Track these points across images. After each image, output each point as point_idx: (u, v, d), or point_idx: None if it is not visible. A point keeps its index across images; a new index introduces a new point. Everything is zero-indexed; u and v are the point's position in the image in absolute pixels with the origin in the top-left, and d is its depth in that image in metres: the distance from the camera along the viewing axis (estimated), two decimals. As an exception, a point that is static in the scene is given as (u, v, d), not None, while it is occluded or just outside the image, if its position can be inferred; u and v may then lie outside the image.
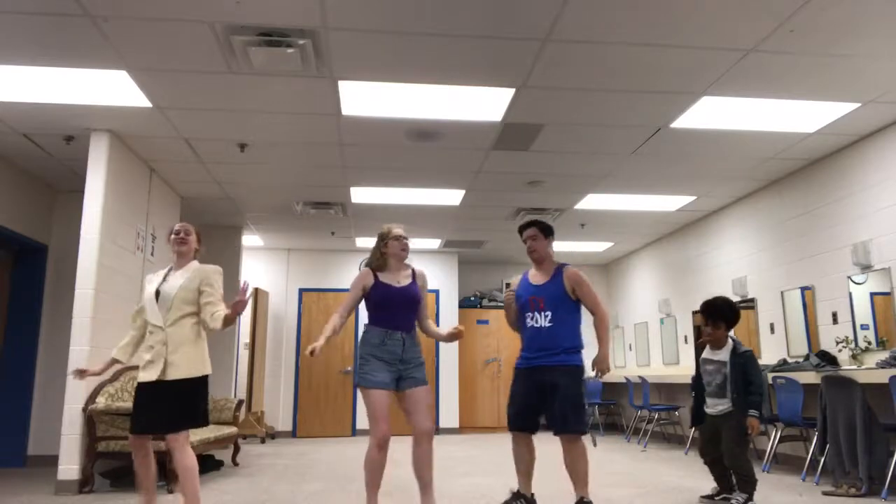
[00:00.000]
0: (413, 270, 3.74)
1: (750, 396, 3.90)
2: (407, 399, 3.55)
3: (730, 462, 3.94)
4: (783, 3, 3.45)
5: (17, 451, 6.25)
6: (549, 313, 3.70)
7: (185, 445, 3.41)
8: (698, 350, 4.34)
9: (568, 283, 3.77)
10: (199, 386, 3.46)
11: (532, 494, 3.80)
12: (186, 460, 3.43)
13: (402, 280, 3.65)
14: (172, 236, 3.58)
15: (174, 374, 3.36)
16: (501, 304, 10.52)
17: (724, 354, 4.04)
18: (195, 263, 3.61)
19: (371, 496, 3.54)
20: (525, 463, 3.77)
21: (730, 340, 4.08)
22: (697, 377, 4.26)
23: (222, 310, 3.41)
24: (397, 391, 3.55)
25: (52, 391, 6.09)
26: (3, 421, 6.26)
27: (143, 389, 3.40)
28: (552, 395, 3.61)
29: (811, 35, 3.77)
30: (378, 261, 3.69)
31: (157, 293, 3.46)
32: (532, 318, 3.74)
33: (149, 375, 3.37)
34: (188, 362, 3.40)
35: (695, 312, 7.99)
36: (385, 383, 3.49)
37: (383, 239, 3.70)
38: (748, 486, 3.87)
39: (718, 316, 4.07)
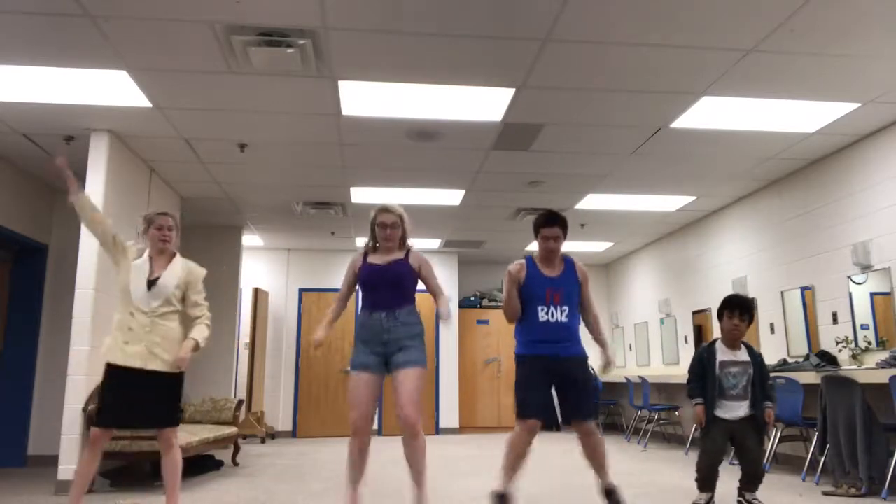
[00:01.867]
0: (408, 251, 3.62)
1: (768, 386, 3.87)
2: (393, 386, 3.39)
3: (758, 465, 3.83)
4: (783, 3, 3.45)
5: (17, 451, 6.26)
6: (565, 308, 3.61)
7: (178, 440, 3.46)
8: (709, 351, 3.93)
9: (581, 277, 3.76)
10: (181, 383, 3.48)
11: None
12: (180, 456, 3.46)
13: (391, 258, 3.56)
14: (156, 231, 3.51)
15: (159, 366, 3.34)
16: (501, 304, 10.53)
17: (743, 355, 3.89)
18: (179, 257, 3.57)
19: (350, 491, 3.39)
20: (522, 462, 3.57)
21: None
22: (710, 378, 3.86)
23: (201, 333, 3.49)
24: (389, 375, 3.44)
25: (52, 391, 6.09)
26: (3, 421, 6.26)
27: (122, 374, 3.30)
28: (573, 385, 3.56)
29: (811, 35, 3.77)
30: (372, 243, 3.65)
31: (151, 283, 3.40)
32: (546, 312, 3.58)
33: (129, 360, 3.29)
34: (171, 356, 3.40)
35: (695, 312, 7.99)
36: (364, 365, 3.39)
37: (372, 223, 3.63)
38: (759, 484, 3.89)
39: (750, 313, 3.91)
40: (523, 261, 3.74)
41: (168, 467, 3.44)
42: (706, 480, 3.86)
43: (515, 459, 3.56)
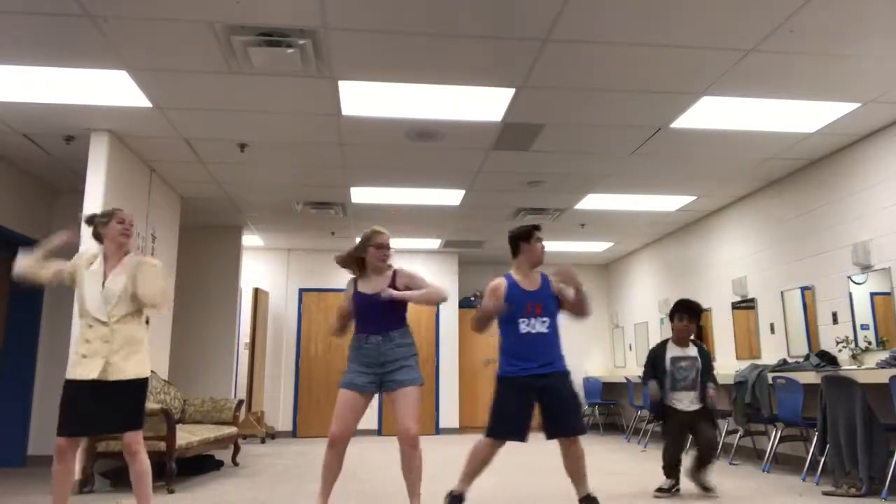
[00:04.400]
0: (394, 272, 3.68)
1: (711, 374, 4.55)
2: (391, 402, 3.54)
3: (708, 448, 4.37)
4: (783, 3, 3.45)
5: (17, 451, 6.26)
6: (546, 319, 3.70)
7: (144, 447, 3.27)
8: (660, 349, 4.65)
9: (555, 287, 3.82)
10: (143, 388, 3.29)
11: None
12: (147, 464, 3.28)
13: (380, 285, 3.60)
14: (118, 225, 3.34)
15: (117, 376, 3.17)
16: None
17: (692, 351, 4.58)
18: (131, 255, 3.41)
19: (321, 492, 3.51)
20: (481, 470, 3.70)
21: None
22: (661, 373, 4.58)
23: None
24: (385, 392, 3.56)
25: (52, 391, 6.08)
26: (3, 421, 6.27)
27: (79, 388, 3.15)
28: (556, 402, 3.60)
29: (811, 35, 3.77)
30: (352, 263, 3.68)
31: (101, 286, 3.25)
32: (528, 325, 3.67)
33: (85, 373, 3.14)
34: (132, 364, 3.23)
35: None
36: (353, 384, 3.54)
37: (365, 243, 3.65)
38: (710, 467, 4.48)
39: (697, 315, 4.63)
40: (503, 278, 3.80)
41: (134, 477, 3.22)
42: (670, 467, 4.48)
43: (477, 467, 3.69)
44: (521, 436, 3.61)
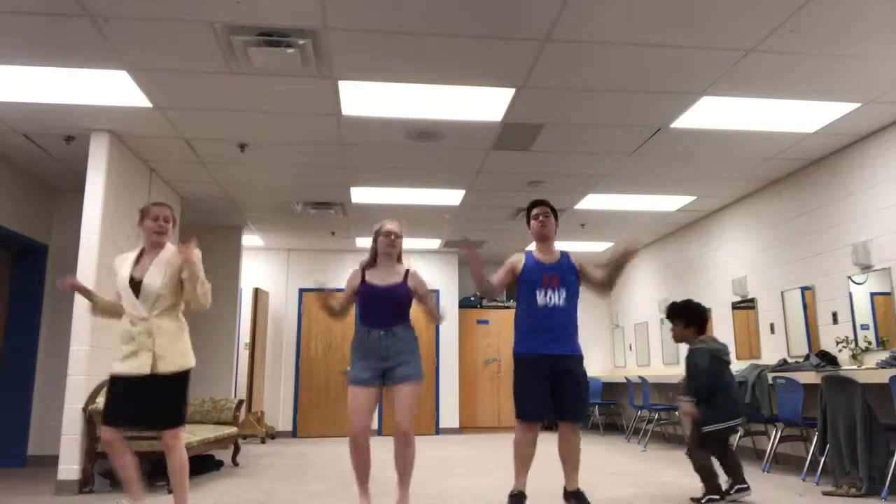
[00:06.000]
0: (407, 270, 3.77)
1: (688, 383, 4.21)
2: (390, 397, 3.61)
3: (701, 474, 4.19)
4: (783, 3, 3.46)
5: (17, 451, 6.25)
6: (563, 291, 3.73)
7: (183, 442, 3.39)
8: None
9: (577, 264, 3.90)
10: (187, 381, 3.39)
11: None
12: (185, 458, 3.36)
13: (390, 279, 3.69)
14: (151, 223, 3.39)
15: (165, 368, 3.26)
16: (501, 304, 10.53)
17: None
18: (171, 247, 3.45)
19: (359, 490, 3.63)
20: (531, 458, 3.72)
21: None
22: None
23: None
24: (386, 386, 3.61)
25: (52, 391, 6.09)
26: (3, 421, 6.26)
27: (127, 382, 3.23)
28: (569, 384, 3.64)
29: (811, 35, 3.77)
30: (372, 257, 3.79)
31: (138, 284, 3.29)
32: (545, 296, 3.70)
33: (135, 368, 3.22)
34: (179, 355, 3.34)
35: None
36: (362, 380, 3.56)
37: (375, 235, 3.78)
38: (707, 485, 4.15)
39: (678, 316, 4.34)
40: (522, 254, 3.94)
41: (171, 471, 3.33)
42: (704, 480, 4.23)
43: (523, 458, 3.71)
44: (544, 415, 3.64)
